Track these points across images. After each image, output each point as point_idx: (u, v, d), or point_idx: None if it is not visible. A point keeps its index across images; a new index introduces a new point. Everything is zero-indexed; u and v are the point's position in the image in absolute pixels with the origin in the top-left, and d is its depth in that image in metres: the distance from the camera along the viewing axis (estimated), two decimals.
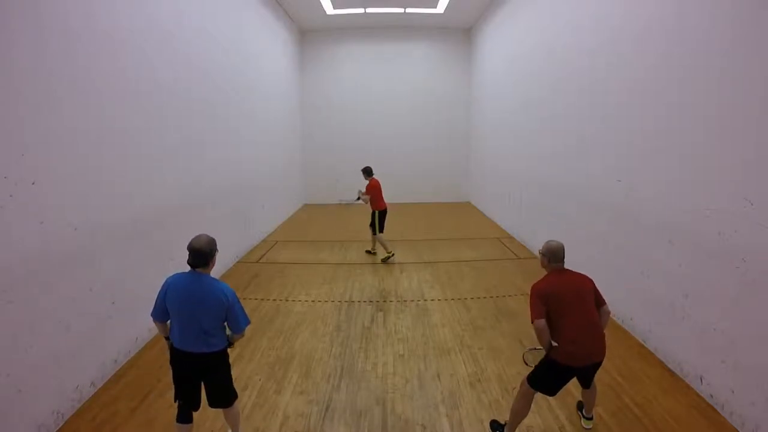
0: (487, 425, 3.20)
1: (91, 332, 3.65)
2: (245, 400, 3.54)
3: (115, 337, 3.97)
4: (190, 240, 2.63)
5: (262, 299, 5.69)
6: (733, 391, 3.16)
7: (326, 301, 5.62)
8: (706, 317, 3.45)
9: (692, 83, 3.60)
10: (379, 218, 7.30)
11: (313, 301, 5.64)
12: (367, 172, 7.54)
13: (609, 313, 2.96)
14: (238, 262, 7.38)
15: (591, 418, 3.16)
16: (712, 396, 3.38)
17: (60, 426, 3.21)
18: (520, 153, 8.57)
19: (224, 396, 2.82)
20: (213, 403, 2.82)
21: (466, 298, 5.63)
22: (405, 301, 5.60)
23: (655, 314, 4.12)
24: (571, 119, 6.09)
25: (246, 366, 4.06)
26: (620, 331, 4.61)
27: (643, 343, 4.33)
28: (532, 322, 2.78)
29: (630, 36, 4.54)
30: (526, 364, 2.99)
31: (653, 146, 4.15)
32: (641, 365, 3.96)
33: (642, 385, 3.63)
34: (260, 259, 7.61)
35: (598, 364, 2.85)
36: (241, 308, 2.69)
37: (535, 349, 2.96)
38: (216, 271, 6.51)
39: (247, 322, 2.74)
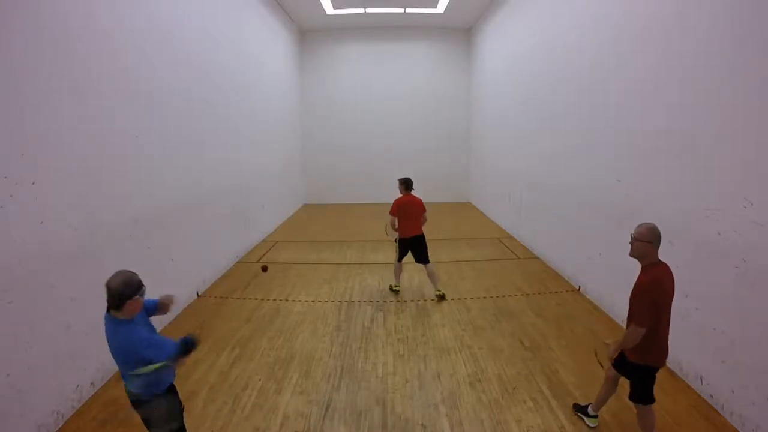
0: (487, 425, 3.20)
1: (91, 332, 3.63)
2: (245, 400, 3.54)
3: None
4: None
5: (262, 299, 5.69)
6: (733, 391, 3.15)
7: (326, 301, 5.62)
8: (706, 317, 3.45)
9: (692, 83, 3.60)
10: (398, 246, 5.72)
11: (313, 301, 5.64)
12: (403, 184, 5.81)
13: None
14: (238, 262, 7.38)
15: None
16: (712, 396, 3.38)
17: (60, 426, 3.21)
18: (520, 153, 8.56)
19: None
20: None
21: (466, 298, 5.63)
22: (405, 301, 5.60)
23: None
24: (571, 119, 6.09)
25: (246, 366, 4.06)
26: (621, 331, 4.60)
27: None
28: (635, 327, 2.61)
29: (630, 36, 4.53)
30: (601, 365, 2.99)
31: (653, 146, 4.14)
32: None
33: None
34: (260, 259, 7.61)
35: None
36: (160, 348, 2.25)
37: (607, 342, 2.96)
38: (216, 271, 6.58)
39: (171, 351, 2.26)
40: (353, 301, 5.62)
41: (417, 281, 6.33)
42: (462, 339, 4.53)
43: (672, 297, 2.76)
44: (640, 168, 4.39)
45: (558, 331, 4.67)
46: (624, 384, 3.65)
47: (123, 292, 2.16)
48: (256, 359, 4.19)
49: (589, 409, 3.19)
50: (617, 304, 4.83)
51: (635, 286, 2.69)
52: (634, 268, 4.45)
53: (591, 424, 3.16)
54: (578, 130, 5.86)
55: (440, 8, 10.93)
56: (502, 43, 9.75)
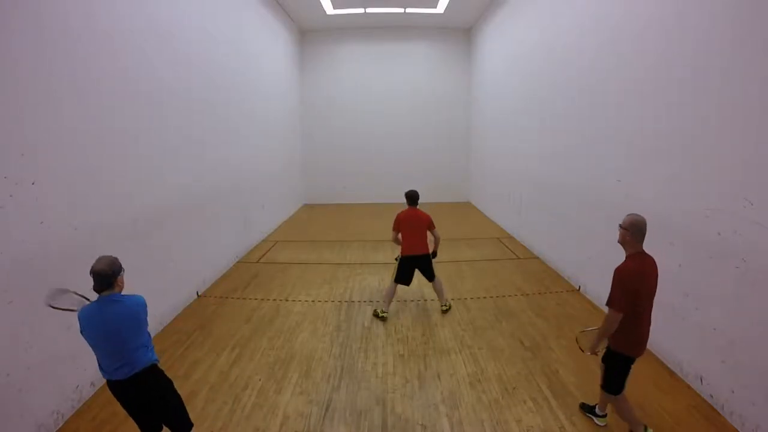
0: (487, 425, 3.20)
1: None
2: (245, 400, 3.54)
3: None
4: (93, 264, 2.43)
5: (262, 299, 5.69)
6: (733, 391, 3.15)
7: (326, 301, 5.62)
8: (706, 317, 3.45)
9: (692, 83, 3.60)
10: (398, 264, 5.14)
11: (313, 301, 5.64)
12: (407, 197, 5.37)
13: None
14: (238, 262, 7.38)
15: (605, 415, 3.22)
16: (712, 396, 3.38)
17: (60, 426, 3.21)
18: (520, 153, 8.56)
19: (178, 414, 2.66)
20: (174, 427, 2.66)
21: (466, 298, 5.63)
22: (405, 301, 5.60)
23: (655, 314, 4.10)
24: (571, 119, 6.09)
25: (246, 366, 4.06)
26: None
27: None
28: (612, 311, 2.69)
29: (630, 36, 4.54)
30: (582, 350, 3.00)
31: (653, 146, 4.14)
32: (641, 365, 3.91)
33: (642, 385, 3.63)
34: (260, 259, 7.61)
35: None
36: (145, 320, 2.53)
37: (587, 330, 3.02)
38: (216, 271, 6.58)
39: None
40: (353, 301, 5.62)
41: (416, 281, 6.32)
42: (462, 339, 4.53)
43: (654, 289, 2.80)
44: (640, 168, 4.39)
45: (558, 331, 4.67)
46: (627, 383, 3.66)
47: (112, 271, 2.42)
48: (256, 359, 4.19)
49: (597, 409, 3.21)
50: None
51: (615, 271, 2.74)
52: None
53: (600, 423, 3.17)
54: (578, 130, 5.86)
55: (440, 8, 10.93)
56: (502, 43, 9.75)
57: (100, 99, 3.82)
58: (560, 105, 6.48)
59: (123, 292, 2.52)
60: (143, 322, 2.51)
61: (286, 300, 5.67)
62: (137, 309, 2.47)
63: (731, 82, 3.18)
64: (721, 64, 3.27)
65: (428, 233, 5.15)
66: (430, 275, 5.16)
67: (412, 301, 5.60)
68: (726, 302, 3.24)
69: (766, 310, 2.89)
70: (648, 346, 4.15)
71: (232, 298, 5.75)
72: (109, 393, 3.58)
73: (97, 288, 2.41)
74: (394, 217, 5.22)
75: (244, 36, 8.10)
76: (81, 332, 2.40)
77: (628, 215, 2.80)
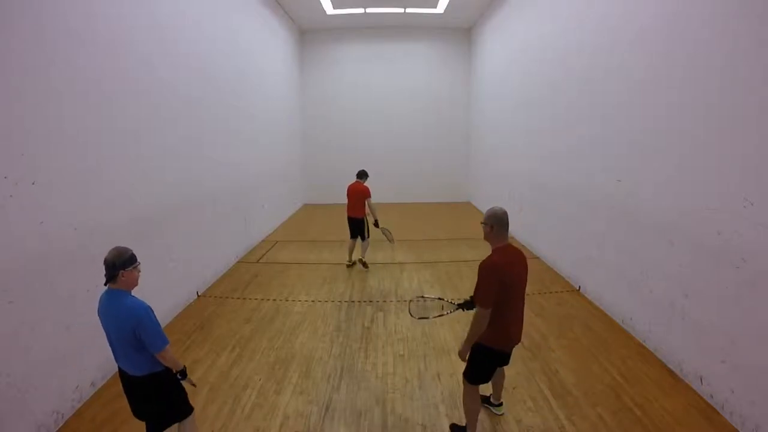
0: (486, 425, 3.20)
1: (91, 332, 3.62)
2: (245, 400, 3.54)
3: None
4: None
5: (262, 299, 5.69)
6: (733, 391, 3.15)
7: (326, 301, 5.62)
8: (706, 317, 3.45)
9: (692, 83, 3.60)
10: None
11: (313, 301, 5.64)
12: (357, 174, 6.98)
13: None
14: (238, 262, 7.38)
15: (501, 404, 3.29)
16: (712, 396, 3.38)
17: (60, 426, 3.21)
18: (520, 153, 8.57)
19: (177, 411, 2.58)
20: (164, 423, 2.58)
21: (466, 299, 5.62)
22: (405, 301, 5.59)
23: (655, 314, 4.12)
24: (571, 119, 6.09)
25: (246, 366, 4.06)
26: (620, 331, 4.61)
27: (643, 343, 4.32)
28: (480, 309, 2.62)
29: (630, 36, 4.53)
30: (412, 315, 3.09)
31: (653, 146, 4.14)
32: (641, 365, 3.96)
33: (642, 385, 3.63)
34: (260, 259, 7.61)
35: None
36: (155, 326, 2.32)
37: (422, 298, 3.08)
38: (216, 271, 6.58)
39: (163, 343, 2.34)
40: (353, 301, 5.62)
41: (417, 281, 6.33)
42: (462, 339, 4.51)
43: (523, 282, 2.76)
44: (640, 168, 4.39)
45: (558, 331, 4.67)
46: (624, 384, 3.66)
47: (115, 263, 2.28)
48: (256, 359, 4.19)
49: (491, 398, 3.30)
50: (617, 304, 4.83)
51: (479, 267, 2.66)
52: (633, 268, 4.48)
53: (498, 413, 3.28)
54: (578, 130, 5.87)
55: (440, 8, 10.93)
56: (502, 43, 9.75)
57: (100, 99, 3.82)
58: (560, 105, 6.48)
59: (134, 292, 2.40)
60: (142, 334, 2.27)
61: (286, 300, 5.67)
62: (132, 318, 2.26)
63: (731, 82, 3.18)
64: (721, 64, 3.27)
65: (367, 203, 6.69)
66: (362, 235, 6.85)
67: (412, 301, 5.59)
68: (726, 302, 3.24)
69: (766, 310, 2.89)
70: (648, 346, 4.22)
71: (232, 298, 5.75)
72: (109, 393, 3.62)
73: (105, 277, 2.32)
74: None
75: (245, 36, 8.10)
76: (97, 312, 2.43)
77: (487, 210, 2.77)
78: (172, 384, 2.51)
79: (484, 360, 2.83)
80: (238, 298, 5.74)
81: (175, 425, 2.64)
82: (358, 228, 6.84)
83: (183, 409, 2.62)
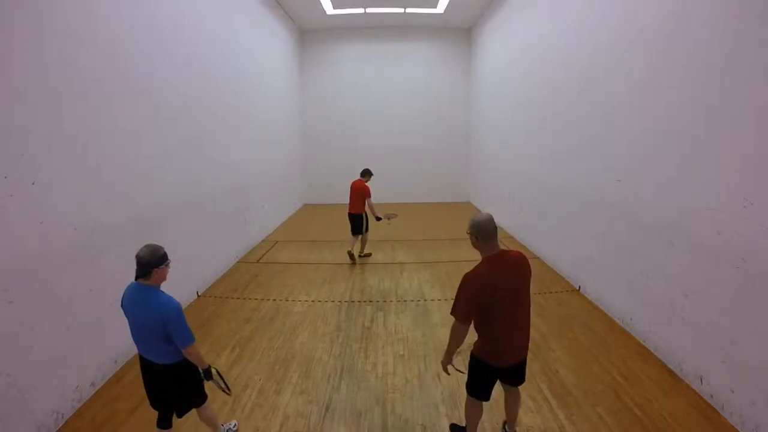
0: (487, 425, 3.20)
1: (91, 332, 3.65)
2: (245, 400, 3.54)
3: (115, 337, 3.96)
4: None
5: (262, 299, 5.69)
6: (733, 391, 3.15)
7: (326, 301, 5.62)
8: (706, 317, 3.45)
9: (692, 83, 3.60)
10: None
11: (313, 301, 5.64)
12: (361, 173, 7.48)
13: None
14: (238, 262, 7.38)
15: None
16: (712, 396, 3.38)
17: (60, 426, 3.21)
18: (520, 153, 8.57)
19: (195, 398, 2.76)
20: (182, 410, 2.75)
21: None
22: (405, 301, 5.60)
23: (655, 314, 4.12)
24: (571, 119, 6.09)
25: (246, 366, 4.06)
26: (620, 331, 4.61)
27: (643, 343, 4.32)
28: (455, 321, 2.50)
29: (630, 36, 4.53)
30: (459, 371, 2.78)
31: (653, 146, 4.14)
32: (641, 365, 3.96)
33: (642, 385, 3.63)
34: (260, 259, 7.61)
35: (523, 360, 2.69)
36: (184, 324, 2.46)
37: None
38: (216, 271, 6.58)
39: (191, 339, 2.50)
40: (353, 301, 5.62)
41: (417, 281, 6.33)
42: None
43: (516, 290, 2.50)
44: (640, 168, 4.39)
45: (558, 331, 4.67)
46: (624, 384, 3.66)
47: (150, 261, 2.44)
48: (256, 359, 4.19)
49: (506, 426, 3.08)
50: (617, 304, 4.83)
51: (462, 278, 2.52)
52: (633, 268, 4.48)
53: None
54: (578, 129, 5.87)
55: (440, 8, 10.92)
56: (502, 43, 9.75)
57: (100, 99, 3.82)
58: (560, 105, 6.48)
59: (162, 287, 2.56)
60: (172, 331, 2.41)
61: (286, 300, 5.67)
62: (163, 316, 2.40)
63: (731, 82, 3.18)
64: (721, 64, 3.27)
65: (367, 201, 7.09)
66: (358, 229, 7.25)
67: (412, 301, 5.60)
68: (726, 302, 3.24)
69: (766, 310, 2.89)
70: (648, 346, 4.22)
71: (232, 298, 5.75)
72: (109, 393, 3.63)
73: (136, 273, 2.46)
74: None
75: (245, 36, 8.10)
76: (120, 304, 2.58)
77: (472, 217, 2.56)
78: (192, 374, 2.65)
79: (479, 371, 2.69)
80: (238, 298, 5.74)
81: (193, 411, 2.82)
82: (356, 224, 7.21)
83: (200, 396, 2.79)
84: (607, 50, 5.05)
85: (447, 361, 2.70)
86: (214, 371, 2.69)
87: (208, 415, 2.87)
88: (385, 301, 5.60)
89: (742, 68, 3.07)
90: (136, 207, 4.39)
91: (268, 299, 5.70)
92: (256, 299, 5.69)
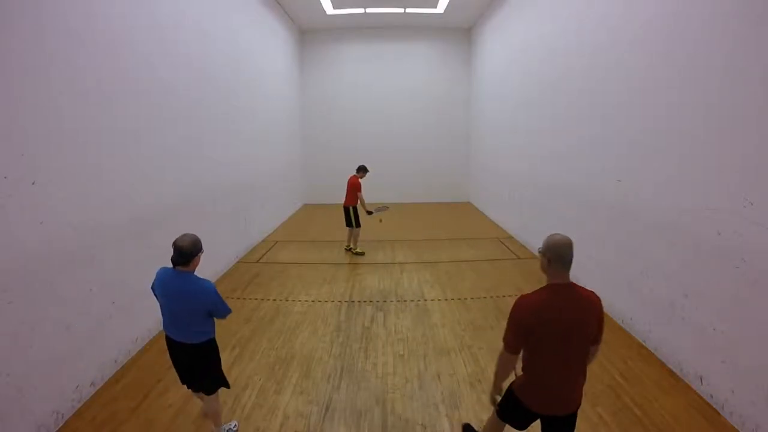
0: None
1: (91, 332, 3.65)
2: (245, 400, 3.54)
3: (115, 337, 3.97)
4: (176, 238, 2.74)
5: (262, 299, 5.69)
6: (733, 391, 3.16)
7: (326, 301, 5.62)
8: (706, 317, 3.45)
9: (692, 83, 3.60)
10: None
11: (313, 301, 5.64)
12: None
13: (598, 351, 2.35)
14: (238, 262, 7.38)
15: None
16: (712, 396, 3.38)
17: (60, 426, 3.21)
18: (520, 153, 8.57)
19: (209, 384, 2.93)
20: (197, 388, 2.96)
21: (466, 298, 5.63)
22: (405, 301, 5.60)
23: (655, 314, 4.12)
24: (571, 119, 6.09)
25: (246, 366, 4.06)
26: (620, 331, 4.61)
27: (643, 343, 4.32)
28: (502, 349, 2.21)
29: (630, 36, 4.53)
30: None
31: (653, 146, 4.14)
32: (641, 365, 3.96)
33: (642, 385, 3.63)
34: (260, 259, 7.61)
35: (571, 415, 2.26)
36: (221, 300, 2.79)
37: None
38: (216, 271, 6.58)
39: (228, 310, 2.85)
40: (353, 301, 5.62)
41: (417, 281, 6.33)
42: (462, 339, 4.53)
43: (572, 333, 2.11)
44: (640, 168, 4.39)
45: None
46: (624, 384, 3.66)
47: (192, 250, 2.72)
48: (256, 359, 4.19)
49: None
50: (617, 304, 4.83)
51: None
52: (633, 268, 4.47)
53: None
54: (578, 130, 5.87)
55: (440, 8, 10.93)
56: (502, 43, 9.75)
57: (100, 99, 3.82)
58: (560, 105, 6.48)
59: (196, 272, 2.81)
60: (213, 310, 2.74)
61: (286, 300, 5.67)
62: (205, 298, 2.68)
63: (731, 82, 3.18)
64: (721, 64, 3.27)
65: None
66: (348, 221, 7.60)
67: (412, 301, 5.61)
68: (726, 302, 3.24)
69: (766, 310, 2.89)
70: (648, 346, 4.22)
71: (232, 298, 5.75)
72: (109, 393, 3.63)
73: (175, 261, 2.68)
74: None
75: (244, 36, 8.10)
76: (152, 287, 2.81)
77: (548, 236, 2.25)
78: (215, 357, 2.93)
79: (512, 406, 2.36)
80: (238, 298, 5.74)
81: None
82: (346, 216, 7.63)
83: (218, 381, 2.96)
84: (607, 50, 5.05)
85: (495, 392, 2.44)
86: None
87: (215, 407, 2.97)
88: (385, 301, 5.60)
89: (742, 68, 3.07)
90: (136, 207, 4.39)
91: (268, 299, 5.70)
92: (256, 299, 5.69)
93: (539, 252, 2.24)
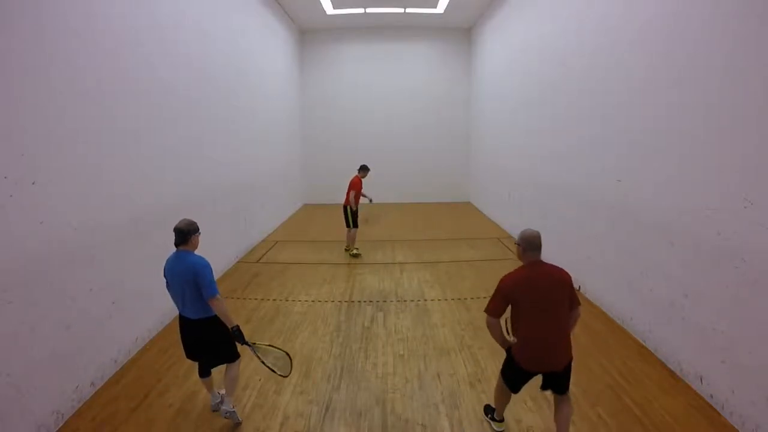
0: (486, 426, 3.19)
1: (91, 332, 3.65)
2: (245, 400, 3.54)
3: (115, 337, 3.97)
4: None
5: (262, 299, 5.69)
6: (733, 391, 3.15)
7: (326, 301, 5.62)
8: (706, 317, 3.45)
9: (692, 83, 3.60)
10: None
11: (313, 301, 5.64)
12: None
13: (579, 315, 2.87)
14: (238, 262, 7.38)
15: None
16: (712, 396, 3.38)
17: (60, 426, 3.21)
18: (520, 153, 8.56)
19: (225, 353, 3.16)
20: (216, 362, 3.19)
21: (466, 298, 5.63)
22: (405, 301, 5.60)
23: (655, 314, 4.12)
24: (571, 119, 6.09)
25: (246, 366, 4.05)
26: (620, 331, 4.61)
27: (643, 343, 4.32)
28: (486, 314, 2.78)
29: (630, 36, 4.53)
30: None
31: (653, 146, 4.14)
32: (641, 365, 3.96)
33: (642, 385, 3.63)
34: (260, 259, 7.61)
35: (563, 371, 2.75)
36: (209, 278, 2.93)
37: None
38: (216, 271, 6.44)
39: (215, 291, 2.93)
40: (353, 301, 5.62)
41: (417, 281, 6.33)
42: (462, 339, 4.53)
43: (547, 300, 2.70)
44: (640, 168, 4.39)
45: None
46: (624, 384, 3.66)
47: (189, 229, 3.03)
48: (255, 359, 4.17)
49: (495, 414, 3.14)
50: (617, 304, 4.83)
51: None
52: (633, 268, 4.47)
53: (497, 429, 3.10)
54: (578, 130, 5.86)
55: (440, 8, 10.93)
56: (502, 43, 9.76)
57: (100, 99, 3.82)
58: (560, 105, 6.48)
59: (197, 252, 3.07)
60: (200, 282, 2.90)
61: (286, 300, 5.67)
62: (194, 269, 2.90)
63: (731, 82, 3.18)
64: (721, 64, 3.27)
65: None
66: (345, 221, 7.64)
67: (412, 301, 5.61)
68: (726, 302, 3.24)
69: (766, 310, 2.89)
70: (648, 346, 4.21)
71: (232, 298, 5.75)
72: (109, 393, 3.63)
73: (176, 242, 3.01)
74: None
75: (244, 36, 8.10)
76: (163, 273, 3.07)
77: (521, 231, 2.89)
78: (223, 330, 3.03)
79: (510, 366, 2.86)
80: (238, 298, 5.74)
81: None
82: (344, 215, 7.66)
83: (231, 352, 3.17)
84: (607, 50, 5.05)
85: (505, 345, 2.89)
86: (255, 346, 3.10)
87: (231, 376, 3.19)
88: (385, 301, 5.60)
89: (742, 68, 3.07)
90: (136, 207, 4.39)
91: (268, 299, 5.70)
92: (256, 299, 5.69)
93: (516, 244, 2.87)
